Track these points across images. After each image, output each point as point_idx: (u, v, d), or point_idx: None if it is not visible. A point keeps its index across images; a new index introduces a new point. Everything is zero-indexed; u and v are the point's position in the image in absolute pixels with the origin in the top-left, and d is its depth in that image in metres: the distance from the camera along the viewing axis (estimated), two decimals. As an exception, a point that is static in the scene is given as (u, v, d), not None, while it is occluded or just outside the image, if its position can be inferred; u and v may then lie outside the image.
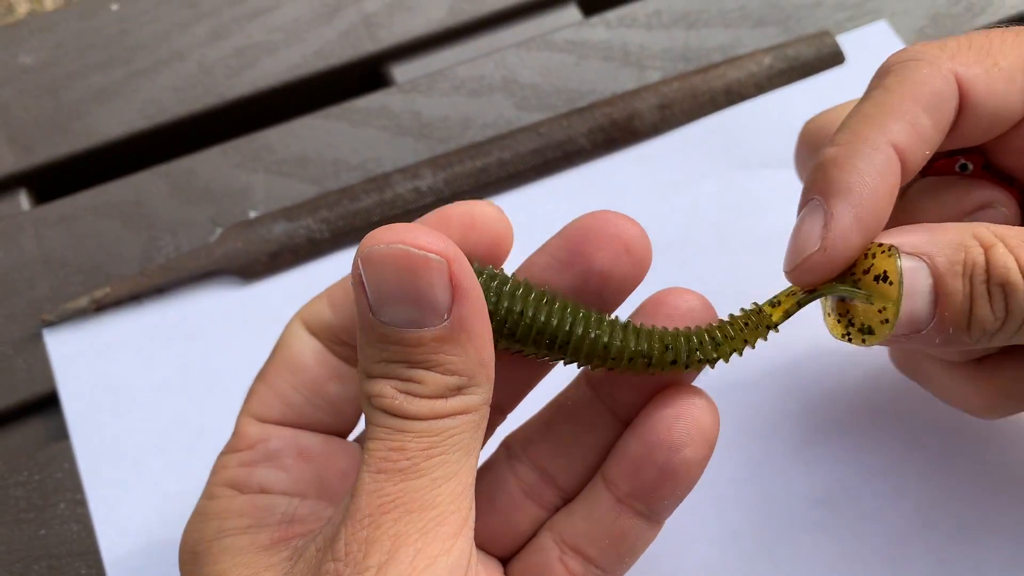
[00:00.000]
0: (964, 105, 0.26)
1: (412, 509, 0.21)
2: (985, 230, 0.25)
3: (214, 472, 0.26)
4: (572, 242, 0.25)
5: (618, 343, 0.24)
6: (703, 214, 0.39)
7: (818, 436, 0.34)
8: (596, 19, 0.45)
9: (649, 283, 0.27)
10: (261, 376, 0.26)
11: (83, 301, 0.37)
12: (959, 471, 0.33)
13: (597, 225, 0.25)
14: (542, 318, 0.24)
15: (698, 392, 0.26)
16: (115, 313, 0.38)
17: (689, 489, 0.26)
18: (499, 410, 0.28)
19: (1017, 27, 0.27)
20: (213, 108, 0.43)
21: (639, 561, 0.31)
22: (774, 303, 0.26)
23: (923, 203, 0.29)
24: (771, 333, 0.26)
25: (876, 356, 0.35)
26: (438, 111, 0.42)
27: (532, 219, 0.37)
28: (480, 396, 0.23)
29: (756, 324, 0.25)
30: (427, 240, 0.21)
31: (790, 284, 0.26)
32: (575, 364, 0.25)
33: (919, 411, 0.34)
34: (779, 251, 0.37)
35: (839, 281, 0.25)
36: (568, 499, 0.27)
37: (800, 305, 0.26)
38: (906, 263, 0.24)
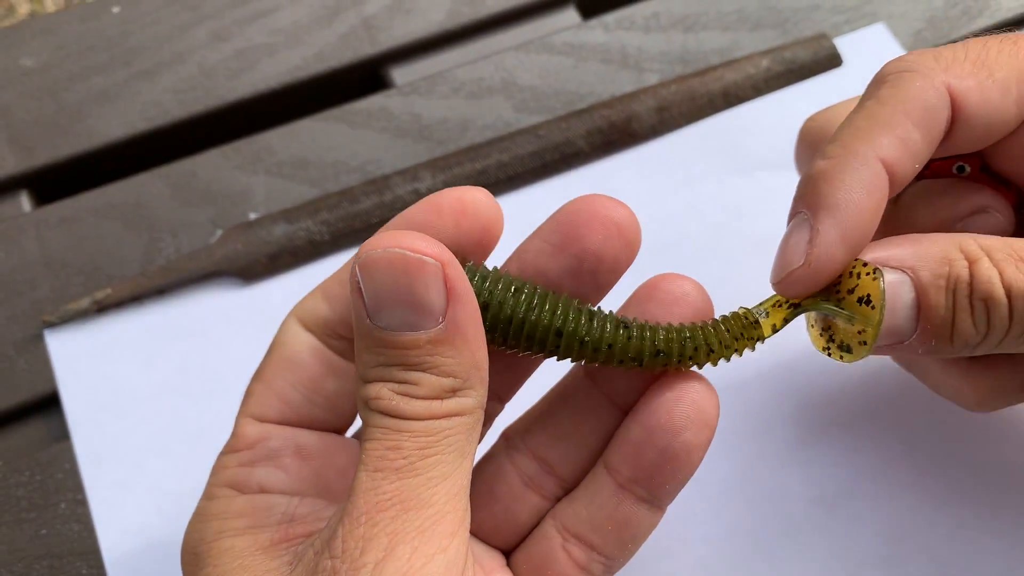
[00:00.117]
0: (957, 117, 0.26)
1: (409, 507, 0.21)
2: (972, 243, 0.25)
3: (213, 473, 0.26)
4: (564, 226, 0.26)
5: (606, 348, 0.25)
6: (701, 216, 0.40)
7: (814, 436, 0.34)
8: (595, 22, 0.45)
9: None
10: (258, 375, 0.26)
11: (84, 302, 0.38)
12: (954, 472, 0.33)
13: (588, 208, 0.25)
14: (532, 319, 0.24)
15: (697, 376, 0.26)
16: (116, 314, 0.38)
17: (691, 473, 0.26)
18: (497, 398, 0.28)
19: (1015, 34, 0.27)
20: (214, 110, 0.43)
21: (635, 560, 0.31)
22: (762, 312, 0.26)
23: (917, 207, 0.29)
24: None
25: (872, 357, 0.35)
26: (437, 113, 0.42)
27: (531, 221, 0.37)
28: (474, 399, 0.23)
29: (747, 336, 0.26)
30: (422, 244, 0.22)
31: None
32: (568, 360, 0.25)
33: (914, 412, 0.34)
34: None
35: (824, 297, 0.26)
36: (568, 488, 0.27)
37: (787, 321, 0.26)
38: (889, 276, 0.25)
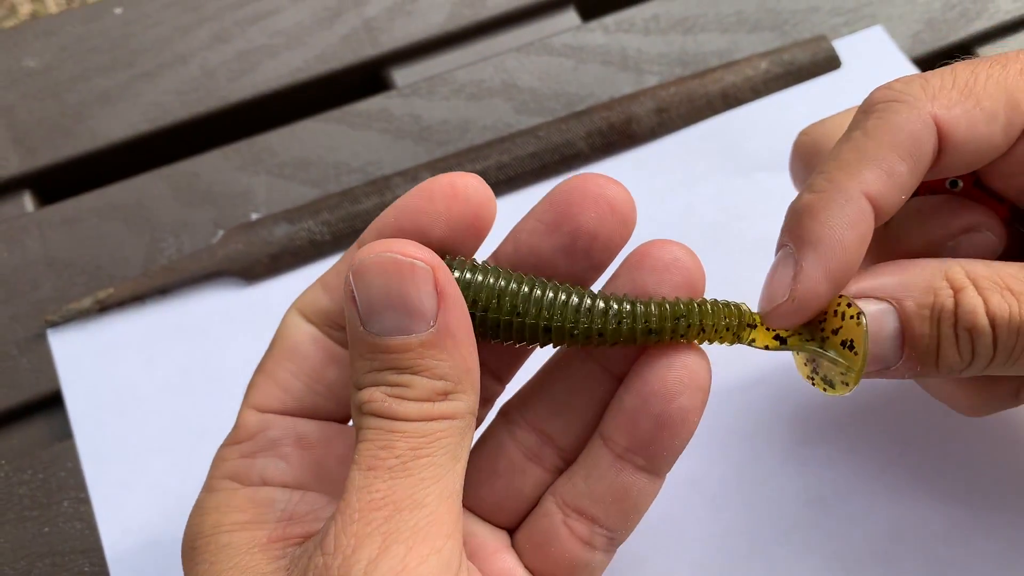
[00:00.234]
0: (944, 146, 0.26)
1: (402, 507, 0.22)
2: (959, 271, 0.25)
3: (214, 465, 0.26)
4: (557, 205, 0.26)
5: (597, 336, 0.25)
6: (700, 217, 0.40)
7: (810, 437, 0.34)
8: (594, 24, 0.45)
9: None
10: (260, 368, 0.27)
11: (86, 302, 0.38)
12: (949, 473, 0.34)
13: (581, 187, 0.25)
14: (519, 322, 0.24)
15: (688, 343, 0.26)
16: (118, 314, 0.38)
17: (687, 439, 0.26)
18: (496, 379, 0.28)
19: (1004, 55, 0.28)
20: (215, 111, 0.43)
21: (632, 561, 0.32)
22: (754, 324, 0.26)
23: (908, 226, 0.29)
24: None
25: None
26: (438, 115, 0.43)
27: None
28: (465, 403, 0.23)
29: (735, 333, 0.26)
30: (413, 249, 0.22)
31: None
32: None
33: (910, 413, 0.35)
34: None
35: (809, 335, 0.27)
36: (569, 460, 0.27)
37: (769, 349, 0.27)
38: (874, 307, 0.25)
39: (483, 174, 0.40)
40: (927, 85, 0.27)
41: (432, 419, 0.23)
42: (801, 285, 0.25)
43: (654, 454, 0.26)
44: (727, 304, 0.26)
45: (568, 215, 0.25)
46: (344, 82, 0.45)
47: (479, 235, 0.25)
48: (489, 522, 0.28)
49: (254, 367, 0.27)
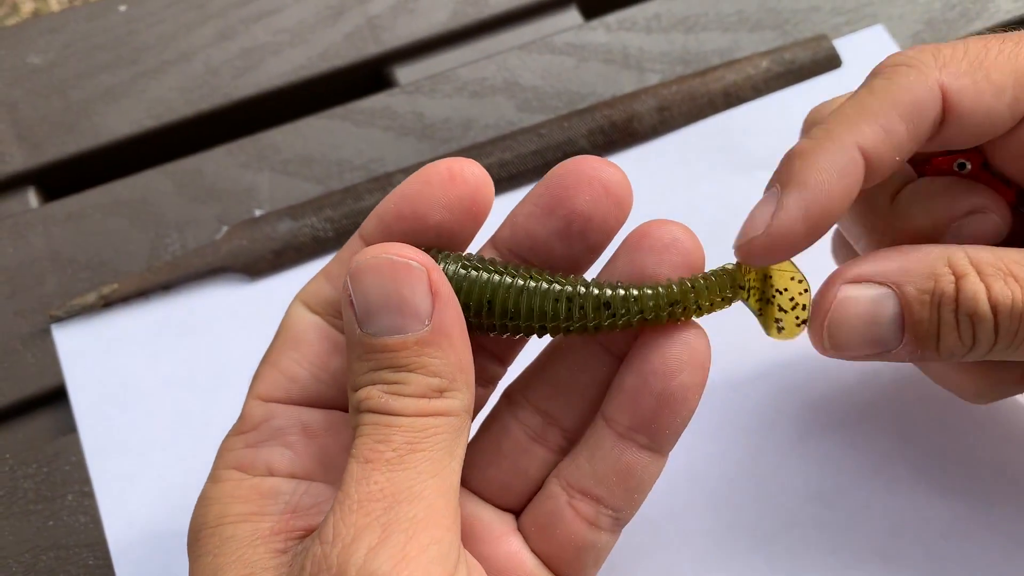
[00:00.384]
0: (948, 114, 0.26)
1: (400, 499, 0.22)
2: (961, 257, 0.25)
3: (219, 455, 0.26)
4: (552, 188, 0.26)
5: (593, 328, 0.25)
6: (701, 215, 0.40)
7: (812, 433, 0.35)
8: (596, 22, 0.45)
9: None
10: (265, 358, 0.27)
11: (91, 297, 0.38)
12: (950, 467, 0.34)
13: (575, 170, 0.26)
14: (511, 324, 0.25)
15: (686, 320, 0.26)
16: (122, 309, 0.38)
17: (688, 416, 0.26)
18: (499, 361, 0.28)
19: (1018, 33, 0.27)
20: (219, 108, 0.44)
21: (634, 556, 0.32)
22: (744, 285, 0.27)
23: (913, 207, 0.29)
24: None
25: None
26: (440, 112, 0.43)
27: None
28: (460, 401, 0.24)
29: (730, 296, 0.27)
30: (408, 251, 0.23)
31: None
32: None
33: (911, 408, 0.35)
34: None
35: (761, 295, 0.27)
36: (572, 440, 0.28)
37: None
38: (873, 291, 0.26)
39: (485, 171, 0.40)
40: (938, 54, 0.27)
41: (427, 415, 0.23)
42: (777, 221, 0.25)
43: (656, 432, 0.26)
44: (719, 273, 0.26)
45: (563, 198, 0.26)
46: (347, 80, 0.45)
47: (477, 219, 0.26)
48: (495, 505, 0.28)
49: (257, 362, 0.28)
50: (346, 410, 0.28)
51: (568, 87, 0.44)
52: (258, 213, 0.40)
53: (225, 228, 0.40)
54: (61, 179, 0.43)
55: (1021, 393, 0.30)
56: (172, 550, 0.33)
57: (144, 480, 0.35)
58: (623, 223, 0.26)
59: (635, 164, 0.41)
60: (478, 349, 0.27)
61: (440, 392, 0.23)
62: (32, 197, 0.42)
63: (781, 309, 0.27)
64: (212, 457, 0.27)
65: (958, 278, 0.25)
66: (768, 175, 0.41)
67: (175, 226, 0.40)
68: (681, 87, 0.42)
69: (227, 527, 0.24)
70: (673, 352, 0.26)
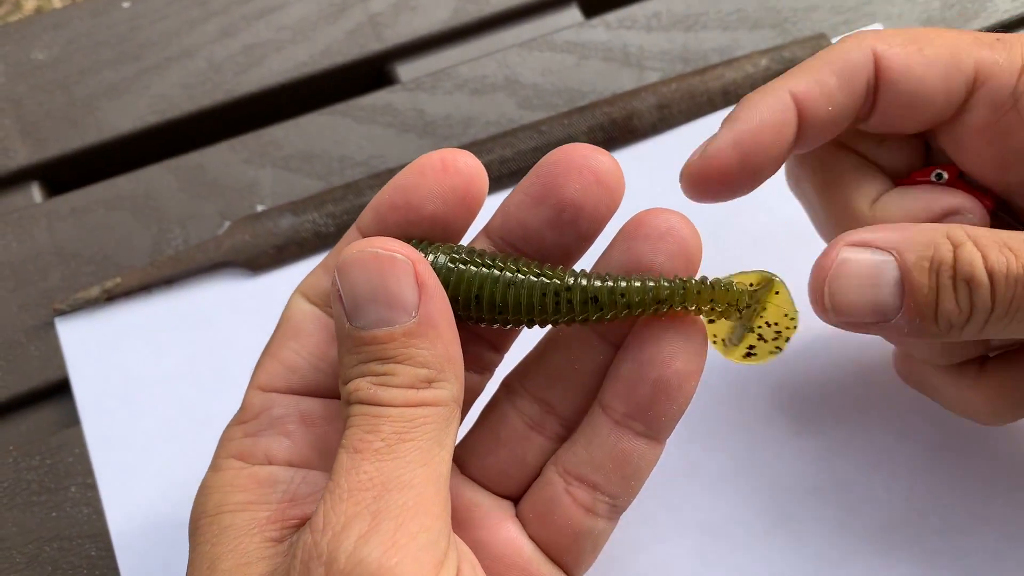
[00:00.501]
0: (880, 80, 0.28)
1: (390, 488, 0.22)
2: (959, 230, 0.26)
3: (220, 444, 0.26)
4: (543, 177, 0.26)
5: (581, 321, 0.25)
6: (699, 211, 0.40)
7: (809, 427, 0.35)
8: (597, 20, 0.45)
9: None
10: (266, 349, 0.27)
11: (94, 291, 0.38)
12: (948, 463, 0.34)
13: (567, 158, 0.26)
14: (498, 318, 0.25)
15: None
16: (125, 303, 0.38)
17: (685, 404, 0.26)
18: (495, 348, 0.29)
19: (968, 30, 0.29)
20: (222, 104, 0.44)
21: (631, 550, 0.32)
22: (750, 304, 0.27)
23: (892, 209, 0.30)
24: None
25: (868, 349, 0.36)
26: (441, 109, 0.43)
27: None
28: (449, 391, 0.24)
29: (728, 310, 0.26)
30: (393, 244, 0.23)
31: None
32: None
33: (909, 404, 0.35)
34: (774, 249, 0.38)
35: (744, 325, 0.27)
36: (570, 429, 0.28)
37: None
38: (875, 256, 0.26)
39: (486, 168, 0.41)
40: (881, 32, 0.29)
41: (416, 405, 0.23)
42: (711, 147, 0.28)
43: (652, 419, 0.26)
44: (716, 284, 0.26)
45: (553, 187, 0.26)
46: (349, 76, 0.45)
47: (471, 209, 0.26)
48: (494, 492, 0.28)
49: (259, 356, 0.28)
50: None
51: (568, 85, 0.44)
52: (260, 208, 0.41)
53: (227, 223, 0.40)
54: (65, 174, 0.43)
55: None
56: (174, 541, 0.33)
57: (146, 472, 0.35)
58: (614, 211, 0.26)
59: (634, 161, 0.42)
60: (472, 337, 0.28)
61: (428, 382, 0.23)
62: (36, 192, 0.43)
63: (762, 339, 0.27)
64: (214, 449, 0.27)
65: (956, 247, 0.25)
66: (767, 173, 0.41)
67: (178, 221, 0.41)
68: (681, 85, 0.43)
69: (225, 515, 0.25)
70: (668, 339, 0.26)
